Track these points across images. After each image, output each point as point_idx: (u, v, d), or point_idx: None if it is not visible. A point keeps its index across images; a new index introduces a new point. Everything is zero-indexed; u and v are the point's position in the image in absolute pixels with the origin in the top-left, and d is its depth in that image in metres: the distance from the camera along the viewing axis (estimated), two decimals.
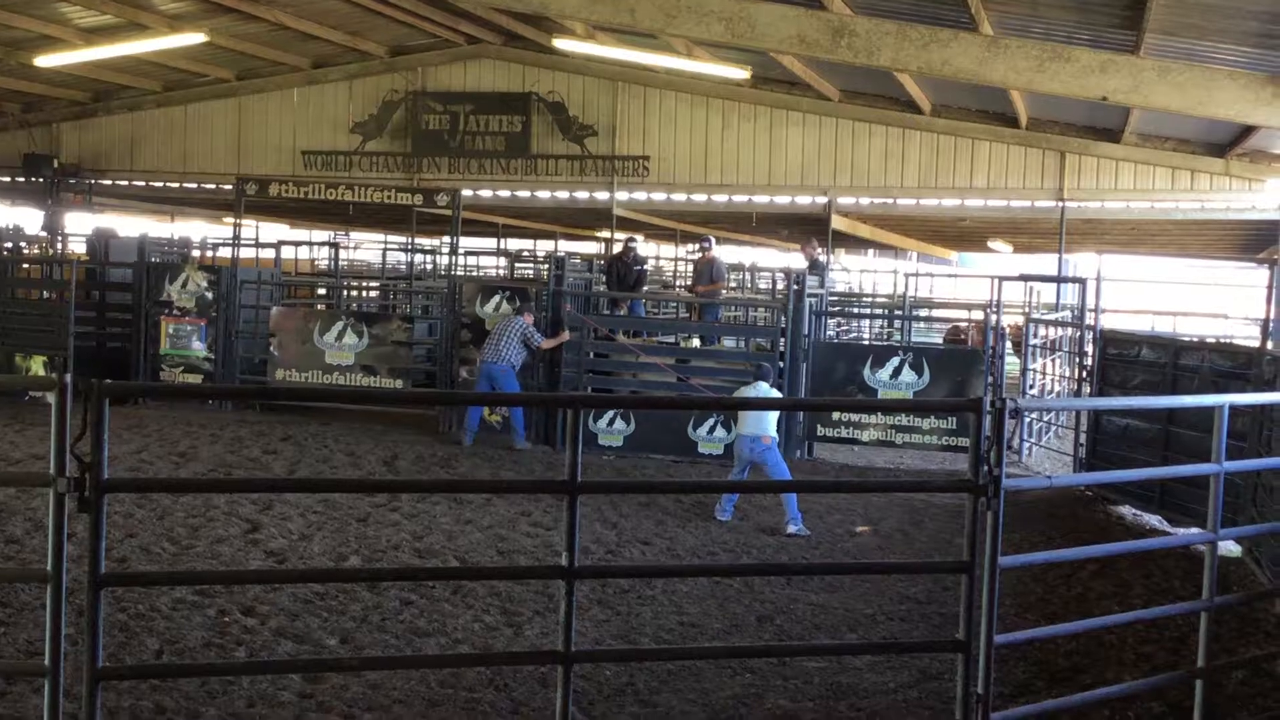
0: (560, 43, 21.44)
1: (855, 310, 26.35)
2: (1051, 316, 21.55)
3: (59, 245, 24.50)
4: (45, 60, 21.68)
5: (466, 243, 31.02)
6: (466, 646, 7.53)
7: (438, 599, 8.26)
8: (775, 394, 12.44)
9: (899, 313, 22.88)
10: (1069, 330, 19.83)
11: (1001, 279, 21.23)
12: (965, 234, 33.24)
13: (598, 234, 35.96)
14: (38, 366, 16.82)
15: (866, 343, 23.28)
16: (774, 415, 11.69)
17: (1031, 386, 17.75)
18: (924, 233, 34.43)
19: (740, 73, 21.20)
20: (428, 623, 7.83)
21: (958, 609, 5.38)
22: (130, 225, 33.61)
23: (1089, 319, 16.16)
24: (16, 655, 6.87)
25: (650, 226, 29.73)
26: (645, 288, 20.83)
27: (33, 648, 6.91)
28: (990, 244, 35.43)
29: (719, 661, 7.34)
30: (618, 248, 20.28)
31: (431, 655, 7.26)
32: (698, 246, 19.97)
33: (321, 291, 23.82)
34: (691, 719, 6.52)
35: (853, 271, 39.36)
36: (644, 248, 26.79)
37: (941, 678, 7.10)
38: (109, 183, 27.52)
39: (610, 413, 14.95)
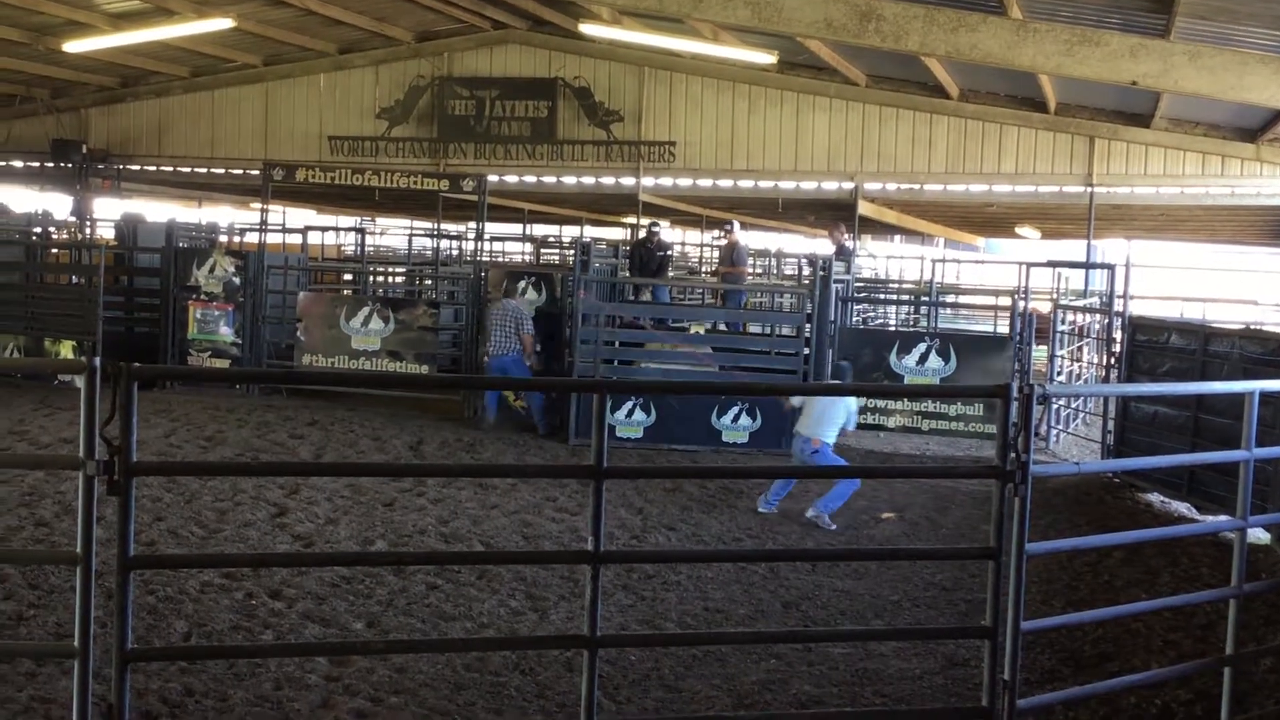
0: (586, 28, 21.39)
1: (881, 296, 26.23)
2: (1080, 303, 21.41)
3: (87, 230, 24.66)
4: (74, 46, 21.76)
5: (492, 228, 31.02)
6: (492, 631, 7.56)
7: (463, 583, 8.29)
8: (850, 401, 11.44)
9: (925, 299, 22.80)
10: (1097, 316, 19.69)
11: (1029, 265, 21.13)
12: (993, 220, 33.01)
13: (623, 220, 35.89)
14: (67, 351, 16.93)
15: (893, 328, 23.24)
16: (833, 418, 11.05)
17: (1059, 372, 17.65)
18: (951, 218, 34.22)
19: (767, 58, 21.09)
20: (453, 607, 7.86)
21: (984, 595, 5.36)
22: (158, 210, 33.80)
23: (1117, 305, 16.05)
24: (46, 637, 6.93)
25: (676, 212, 29.62)
26: (670, 273, 20.78)
27: (62, 630, 6.97)
28: (1018, 230, 35.16)
29: (744, 647, 7.34)
30: (641, 234, 20.26)
31: (457, 639, 7.28)
32: (721, 231, 19.90)
33: (348, 277, 23.89)
34: (717, 704, 6.52)
35: (879, 257, 39.16)
36: (669, 234, 26.69)
37: (968, 664, 7.09)
38: (137, 168, 27.60)
39: (629, 403, 14.43)
